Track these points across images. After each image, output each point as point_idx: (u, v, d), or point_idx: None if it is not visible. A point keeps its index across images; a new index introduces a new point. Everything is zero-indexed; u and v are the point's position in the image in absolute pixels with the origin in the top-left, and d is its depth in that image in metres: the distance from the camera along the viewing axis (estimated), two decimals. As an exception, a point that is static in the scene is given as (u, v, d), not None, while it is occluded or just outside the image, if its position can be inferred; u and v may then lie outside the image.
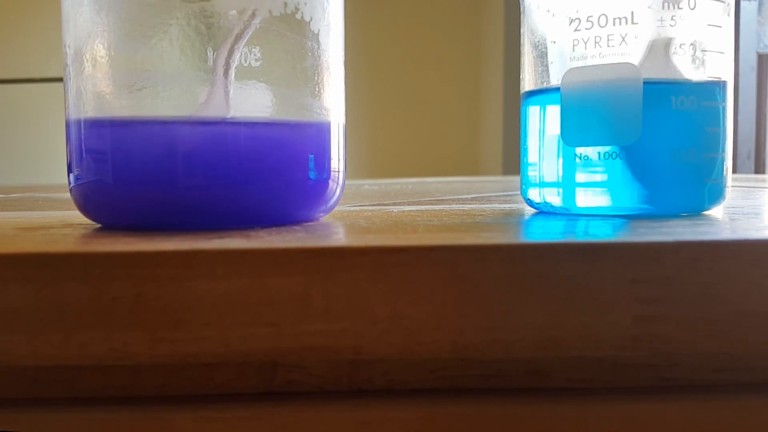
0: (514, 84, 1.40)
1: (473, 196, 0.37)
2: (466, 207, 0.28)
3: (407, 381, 0.17)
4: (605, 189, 0.23)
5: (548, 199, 0.24)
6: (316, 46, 0.21)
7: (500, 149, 1.46)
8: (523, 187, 0.26)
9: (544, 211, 0.25)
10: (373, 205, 0.30)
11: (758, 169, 1.26)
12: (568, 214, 0.24)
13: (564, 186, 0.23)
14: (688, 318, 0.16)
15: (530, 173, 0.25)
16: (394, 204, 0.31)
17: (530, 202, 0.25)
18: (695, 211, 0.23)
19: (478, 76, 1.65)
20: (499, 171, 1.47)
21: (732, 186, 0.37)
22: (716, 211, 0.24)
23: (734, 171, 1.20)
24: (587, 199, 0.23)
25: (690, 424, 0.17)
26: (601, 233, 0.18)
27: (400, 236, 0.18)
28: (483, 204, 0.30)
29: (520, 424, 0.17)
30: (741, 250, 0.16)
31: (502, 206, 0.29)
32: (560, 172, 0.23)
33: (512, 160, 1.43)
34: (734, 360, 0.17)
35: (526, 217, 0.24)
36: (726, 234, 0.18)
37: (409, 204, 0.31)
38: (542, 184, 0.24)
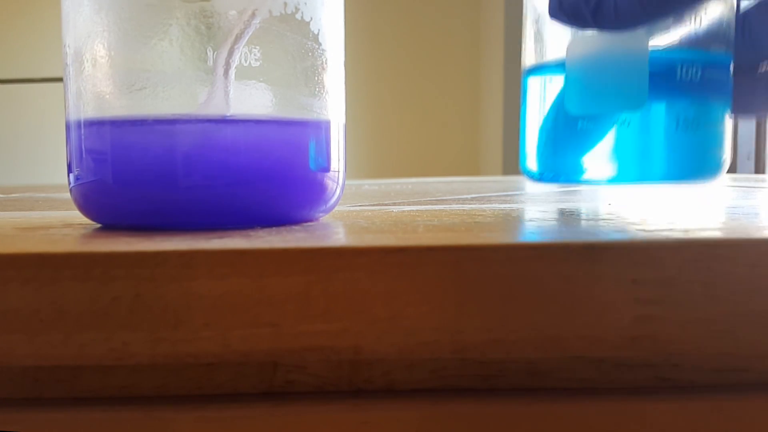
0: (515, 84, 1.39)
1: (473, 196, 0.37)
2: (466, 207, 0.28)
3: (407, 381, 0.17)
4: (606, 158, 0.22)
5: (549, 169, 0.24)
6: (316, 46, 0.21)
7: (500, 149, 1.46)
8: (522, 158, 0.25)
9: (543, 181, 0.24)
10: (373, 205, 0.30)
11: (758, 169, 1.26)
12: (570, 183, 0.23)
13: (566, 155, 0.23)
14: (688, 318, 0.16)
15: (530, 143, 0.24)
16: (394, 204, 0.31)
17: (530, 174, 0.25)
18: (696, 179, 0.23)
19: (478, 77, 1.65)
20: (499, 171, 1.47)
21: (732, 186, 0.36)
22: (716, 211, 0.24)
23: (734, 171, 1.20)
24: (589, 168, 0.23)
25: (690, 424, 0.17)
26: (601, 233, 0.18)
27: (400, 236, 0.18)
28: (483, 204, 0.30)
29: (520, 424, 0.17)
30: (741, 250, 0.16)
31: (502, 206, 0.29)
32: (562, 142, 0.23)
33: (512, 160, 1.43)
34: (734, 360, 0.17)
35: (526, 217, 0.24)
36: (726, 234, 0.18)
37: (409, 204, 0.30)
38: (542, 154, 0.24)
